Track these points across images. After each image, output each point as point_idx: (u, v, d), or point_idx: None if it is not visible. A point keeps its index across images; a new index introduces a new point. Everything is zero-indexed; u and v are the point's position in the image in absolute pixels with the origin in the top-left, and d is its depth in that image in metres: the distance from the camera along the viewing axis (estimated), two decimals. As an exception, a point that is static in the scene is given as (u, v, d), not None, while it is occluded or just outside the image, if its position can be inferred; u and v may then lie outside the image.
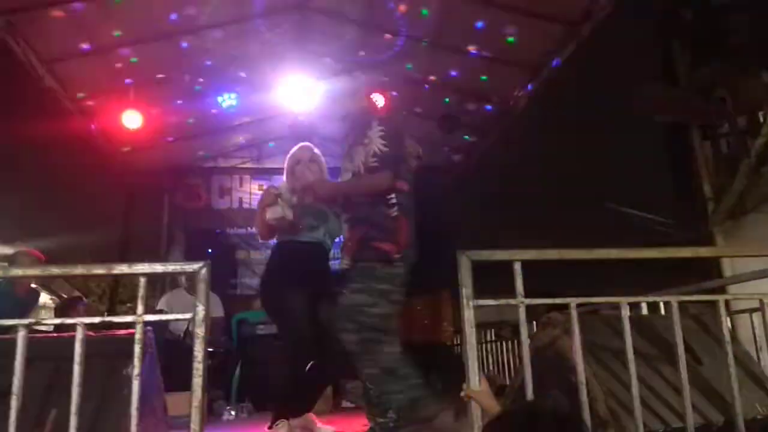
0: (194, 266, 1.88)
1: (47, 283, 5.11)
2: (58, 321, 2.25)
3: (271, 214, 2.94)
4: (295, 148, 3.31)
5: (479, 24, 5.27)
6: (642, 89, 5.23)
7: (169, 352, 4.78)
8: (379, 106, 3.01)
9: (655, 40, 5.67)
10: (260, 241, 3.09)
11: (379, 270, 2.57)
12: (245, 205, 7.95)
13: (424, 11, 5.23)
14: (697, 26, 5.36)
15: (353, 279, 2.61)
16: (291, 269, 3.02)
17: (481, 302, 1.94)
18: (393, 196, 2.65)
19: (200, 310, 1.83)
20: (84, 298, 5.34)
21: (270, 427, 2.96)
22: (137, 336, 1.83)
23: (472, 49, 5.63)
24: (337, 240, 3.19)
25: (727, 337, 1.93)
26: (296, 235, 3.07)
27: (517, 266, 1.97)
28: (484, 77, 6.00)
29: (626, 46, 5.27)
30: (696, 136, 5.85)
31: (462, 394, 1.86)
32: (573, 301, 1.96)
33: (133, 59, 5.45)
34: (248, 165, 8.20)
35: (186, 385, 4.22)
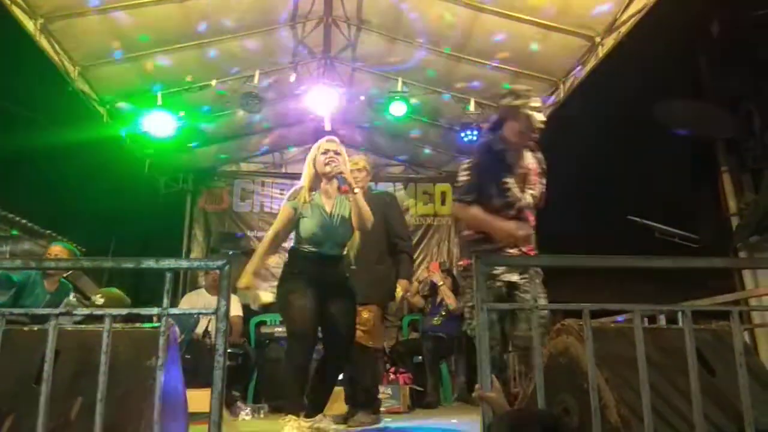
0: (218, 263, 1.95)
1: (72, 280, 5.25)
2: (87, 311, 2.34)
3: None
4: (323, 140, 3.43)
5: (503, 36, 5.31)
6: (666, 102, 5.23)
7: (188, 351, 4.90)
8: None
9: (681, 53, 5.66)
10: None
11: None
12: (266, 209, 8.08)
13: (449, 21, 5.30)
14: (724, 40, 5.35)
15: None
16: (307, 270, 3.25)
17: (494, 306, 1.98)
18: None
19: (222, 305, 1.90)
20: None
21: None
22: (161, 328, 1.90)
23: (494, 60, 5.68)
24: None
25: (740, 347, 1.93)
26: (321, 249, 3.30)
27: (532, 272, 2.00)
28: (506, 86, 6.03)
29: (651, 59, 5.27)
30: (721, 149, 5.82)
31: (474, 395, 1.89)
32: (586, 307, 1.99)
33: (163, 65, 5.60)
34: (270, 170, 8.34)
35: (204, 383, 4.32)
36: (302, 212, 3.27)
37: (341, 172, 3.24)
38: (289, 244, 3.55)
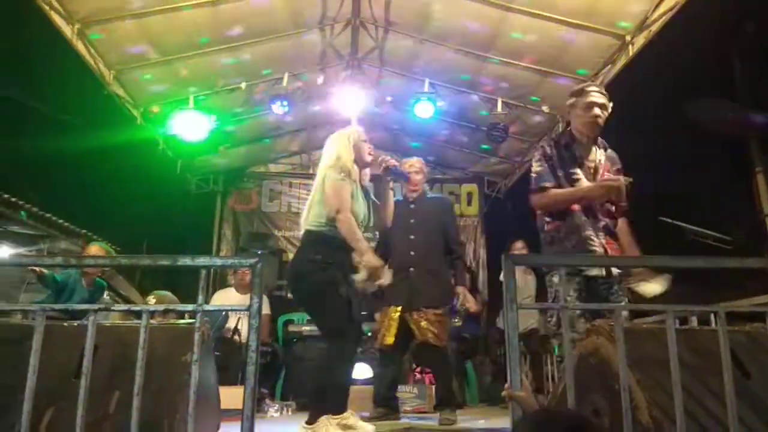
0: (251, 261, 1.99)
1: (107, 279, 5.38)
2: (125, 307, 2.40)
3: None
4: (356, 127, 3.45)
5: (531, 36, 5.28)
6: (700, 102, 5.14)
7: (217, 349, 4.98)
8: None
9: (713, 52, 5.56)
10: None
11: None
12: (293, 209, 8.17)
13: (477, 21, 5.29)
14: (760, 39, 5.23)
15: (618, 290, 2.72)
16: (340, 260, 3.00)
17: (524, 305, 1.98)
18: None
19: (255, 302, 1.93)
20: None
21: (309, 422, 2.96)
22: (196, 324, 1.95)
23: (523, 60, 5.65)
24: None
25: (776, 349, 1.90)
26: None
27: (562, 271, 2.00)
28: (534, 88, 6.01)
29: (682, 58, 5.19)
30: (755, 150, 5.70)
31: (503, 393, 1.90)
32: (618, 308, 1.98)
33: (195, 68, 5.70)
34: (297, 171, 8.44)
35: (233, 381, 4.40)
36: (354, 193, 3.07)
37: (396, 164, 3.22)
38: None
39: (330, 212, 3.00)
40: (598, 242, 2.74)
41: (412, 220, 4.13)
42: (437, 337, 4.00)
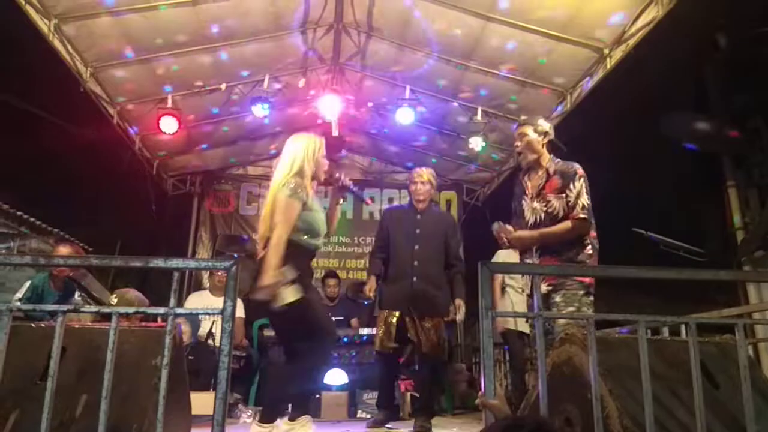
0: (225, 264, 1.96)
1: (78, 279, 5.27)
2: (95, 309, 2.35)
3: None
4: (318, 138, 3.42)
5: (511, 46, 5.34)
6: (673, 117, 5.25)
7: (191, 353, 4.91)
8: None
9: (689, 68, 5.68)
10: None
11: (582, 298, 2.73)
12: (272, 213, 8.10)
13: (458, 30, 5.33)
14: (733, 54, 5.37)
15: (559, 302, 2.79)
16: (308, 267, 3.24)
17: (499, 313, 1.98)
18: (588, 240, 2.91)
19: (229, 305, 1.91)
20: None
21: (291, 419, 3.07)
22: (168, 328, 1.92)
23: (502, 69, 5.70)
24: None
25: (744, 360, 1.93)
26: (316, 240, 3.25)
27: (536, 280, 2.01)
28: (513, 98, 6.07)
29: (658, 72, 5.29)
30: (728, 164, 5.83)
31: (477, 402, 1.90)
32: (590, 317, 1.99)
33: (174, 67, 5.64)
34: (277, 174, 8.37)
35: (206, 386, 4.33)
36: (310, 205, 3.19)
37: (350, 184, 3.39)
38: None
39: (273, 225, 3.08)
40: (530, 262, 2.98)
41: (417, 231, 4.17)
42: (436, 348, 4.06)
